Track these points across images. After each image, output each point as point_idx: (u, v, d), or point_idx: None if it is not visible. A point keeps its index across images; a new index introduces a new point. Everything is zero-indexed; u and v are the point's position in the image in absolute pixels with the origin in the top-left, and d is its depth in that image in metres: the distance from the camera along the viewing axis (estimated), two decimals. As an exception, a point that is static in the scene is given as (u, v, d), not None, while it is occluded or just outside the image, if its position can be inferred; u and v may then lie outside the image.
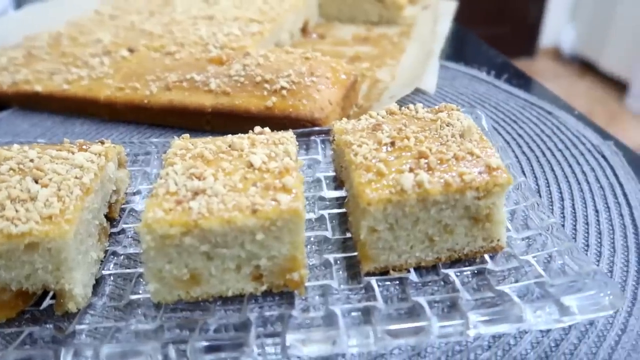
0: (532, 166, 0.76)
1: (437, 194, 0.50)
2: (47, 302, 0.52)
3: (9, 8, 1.61)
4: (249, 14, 1.20)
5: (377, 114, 0.65)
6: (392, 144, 0.57)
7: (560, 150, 0.80)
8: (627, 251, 0.59)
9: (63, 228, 0.48)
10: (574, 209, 0.67)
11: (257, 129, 0.63)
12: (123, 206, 0.67)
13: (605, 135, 0.84)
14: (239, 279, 0.52)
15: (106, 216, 0.61)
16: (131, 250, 0.60)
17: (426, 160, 0.53)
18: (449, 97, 0.98)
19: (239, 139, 0.59)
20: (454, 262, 0.56)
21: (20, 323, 0.51)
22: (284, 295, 0.53)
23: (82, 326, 0.50)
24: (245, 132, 0.62)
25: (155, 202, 0.49)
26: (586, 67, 3.57)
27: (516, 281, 0.53)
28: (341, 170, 0.64)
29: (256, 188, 0.50)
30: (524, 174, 0.74)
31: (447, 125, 0.60)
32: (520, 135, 0.84)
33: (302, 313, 0.51)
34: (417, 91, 0.95)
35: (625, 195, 0.69)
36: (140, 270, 0.56)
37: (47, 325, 0.50)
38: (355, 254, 0.56)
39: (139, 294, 0.54)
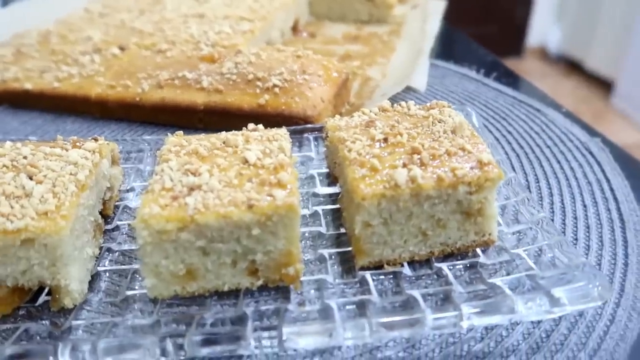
0: (521, 162, 0.77)
1: (430, 189, 0.51)
2: (43, 298, 0.52)
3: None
4: (240, 12, 1.20)
5: (370, 111, 0.65)
6: (385, 140, 0.57)
7: (549, 147, 0.81)
8: (614, 244, 0.61)
9: (59, 224, 0.48)
10: (563, 203, 0.68)
11: (251, 126, 0.63)
12: (117, 203, 0.67)
13: (592, 132, 0.85)
14: (235, 274, 0.52)
15: (100, 213, 0.61)
16: (126, 247, 0.60)
17: (419, 156, 0.54)
18: (440, 95, 0.99)
19: (233, 136, 0.59)
20: (446, 256, 0.57)
21: (15, 319, 0.51)
22: (280, 290, 0.54)
23: (79, 322, 0.50)
24: (238, 129, 0.63)
25: (151, 198, 0.49)
26: (572, 66, 3.62)
27: (507, 274, 0.54)
28: (334, 166, 0.65)
29: (252, 184, 0.51)
30: (514, 170, 0.75)
31: (439, 122, 0.61)
32: (509, 132, 0.86)
33: (298, 307, 0.51)
34: (408, 89, 0.96)
35: (612, 190, 0.70)
36: (136, 266, 0.56)
37: (43, 321, 0.50)
38: (350, 249, 0.57)
39: (135, 289, 0.54)
